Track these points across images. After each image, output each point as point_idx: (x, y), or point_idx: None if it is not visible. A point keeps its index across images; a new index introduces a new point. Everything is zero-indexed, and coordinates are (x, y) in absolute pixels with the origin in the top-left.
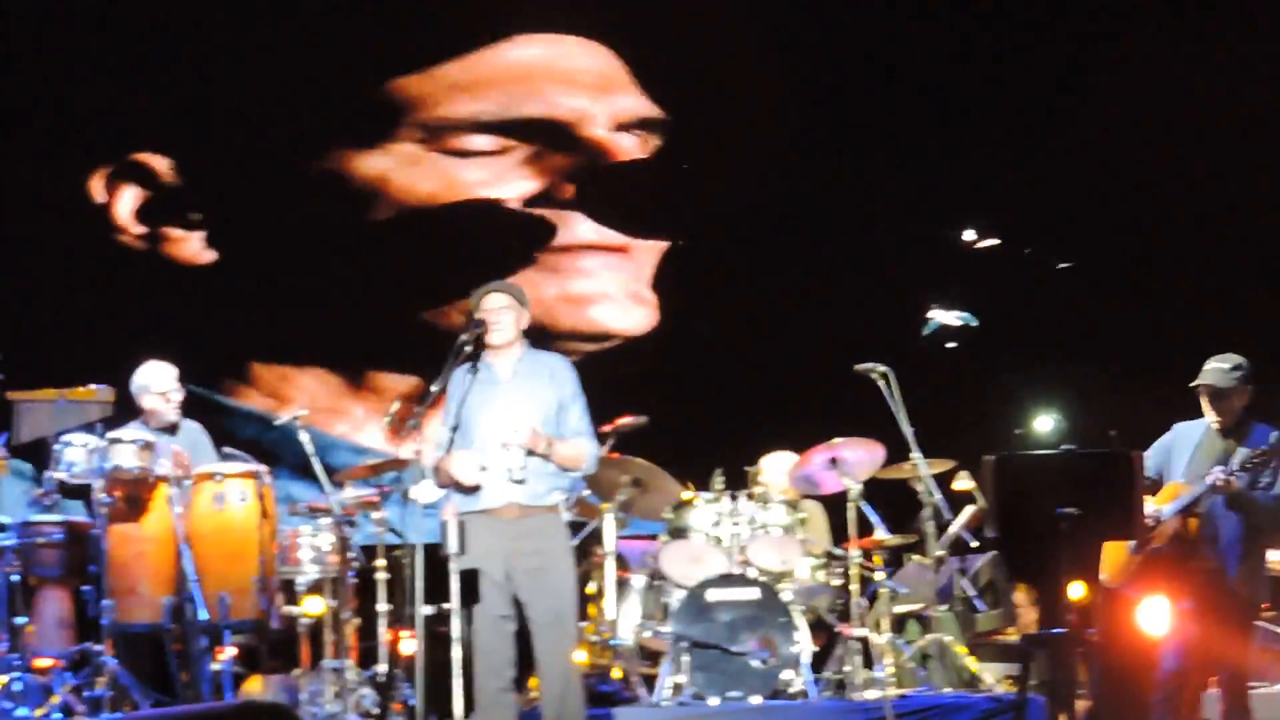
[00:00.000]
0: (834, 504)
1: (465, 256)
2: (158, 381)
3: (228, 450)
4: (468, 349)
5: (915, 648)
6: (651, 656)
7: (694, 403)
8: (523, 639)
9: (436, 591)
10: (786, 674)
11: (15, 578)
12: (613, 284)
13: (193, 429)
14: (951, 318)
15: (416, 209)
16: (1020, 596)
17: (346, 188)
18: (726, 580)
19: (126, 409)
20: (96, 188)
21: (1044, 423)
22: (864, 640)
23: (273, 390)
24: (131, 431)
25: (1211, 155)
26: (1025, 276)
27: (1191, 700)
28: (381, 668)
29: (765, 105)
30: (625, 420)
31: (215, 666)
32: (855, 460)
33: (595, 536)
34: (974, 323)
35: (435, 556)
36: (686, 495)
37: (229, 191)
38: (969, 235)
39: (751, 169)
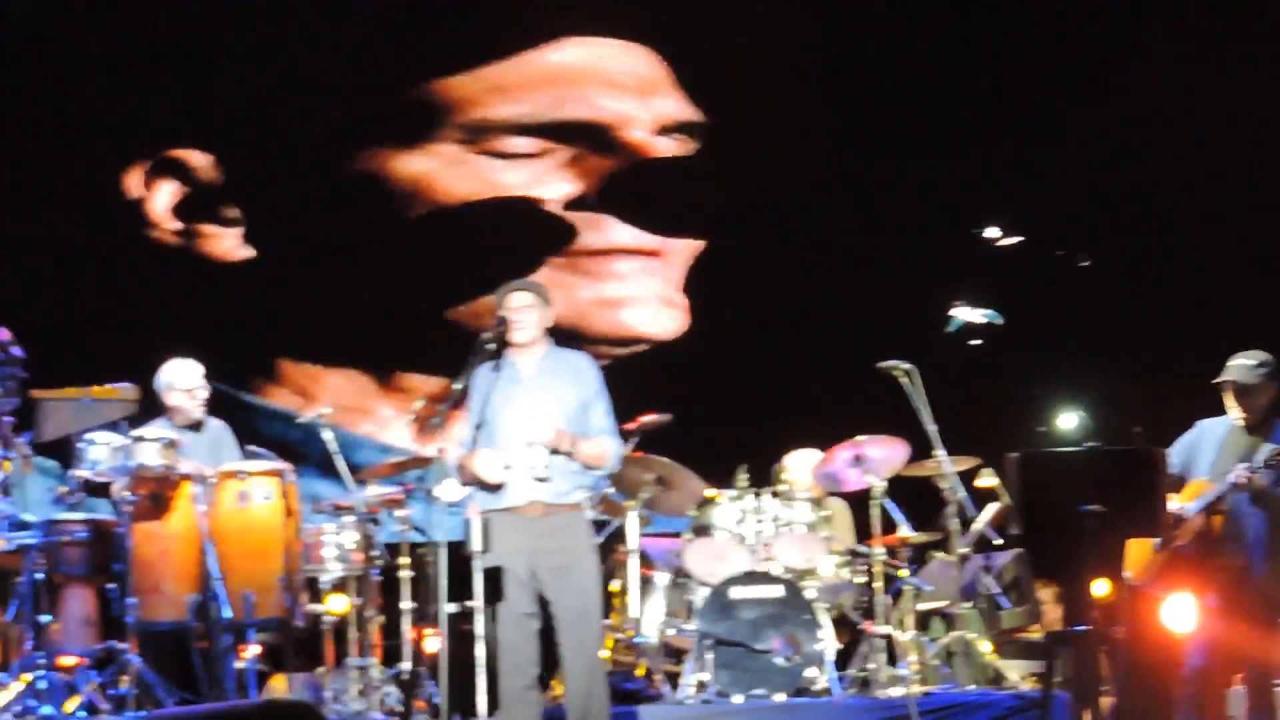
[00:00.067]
0: (858, 501)
1: (497, 258)
2: (182, 378)
3: (252, 448)
4: (490, 347)
5: (939, 645)
6: (675, 654)
7: (718, 400)
8: (547, 637)
9: (461, 589)
10: (810, 671)
11: (40, 576)
12: (645, 288)
13: (217, 427)
14: (976, 315)
15: (450, 209)
16: (1044, 593)
17: (383, 188)
18: (750, 578)
19: (152, 407)
20: (132, 183)
21: (1069, 420)
22: (888, 637)
23: (300, 389)
24: (156, 429)
25: (1236, 153)
26: (1049, 274)
27: (1216, 697)
28: (406, 666)
29: (792, 105)
30: (649, 418)
31: (239, 664)
32: (879, 458)
33: (619, 534)
34: (999, 320)
35: (459, 554)
36: (710, 493)
37: (265, 189)
38: (993, 233)
39: (778, 168)
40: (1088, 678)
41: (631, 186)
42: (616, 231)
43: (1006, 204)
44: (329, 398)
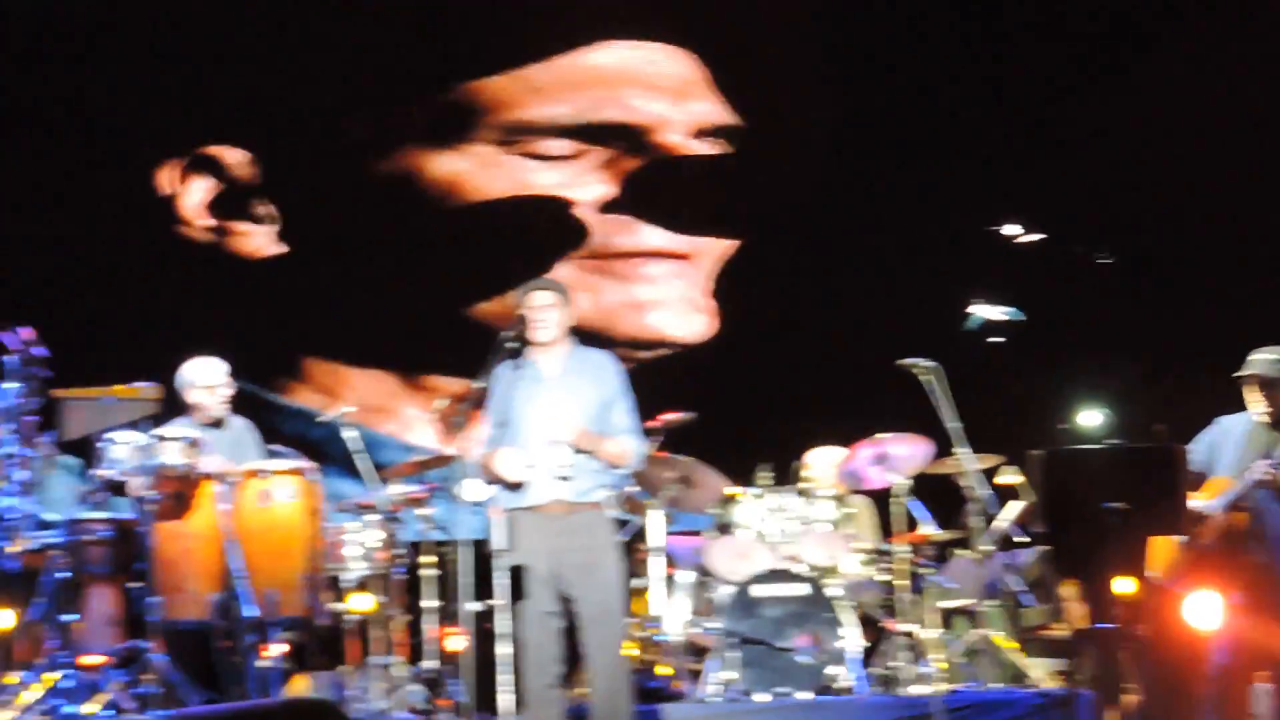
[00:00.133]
0: (882, 499)
1: (527, 260)
2: (203, 376)
3: (275, 447)
4: (510, 346)
5: (963, 643)
6: (698, 652)
7: (740, 399)
8: (572, 636)
9: (484, 588)
10: (834, 669)
11: (64, 575)
12: (673, 291)
13: (240, 425)
14: (996, 313)
15: (480, 209)
16: (1066, 591)
17: (416, 188)
18: (774, 576)
19: (176, 405)
20: (164, 180)
21: (1091, 417)
22: (912, 635)
23: (326, 388)
24: (177, 429)
25: (1257, 149)
26: (1071, 271)
27: (1240, 695)
28: (429, 664)
29: (819, 106)
30: (672, 416)
31: (262, 664)
32: (903, 456)
33: (641, 533)
34: (1020, 317)
35: (482, 553)
36: (732, 491)
37: (297, 186)
38: (1013, 230)
39: (805, 169)
40: (1111, 675)
41: (663, 188)
42: (647, 234)
43: (1028, 201)
44: (354, 397)
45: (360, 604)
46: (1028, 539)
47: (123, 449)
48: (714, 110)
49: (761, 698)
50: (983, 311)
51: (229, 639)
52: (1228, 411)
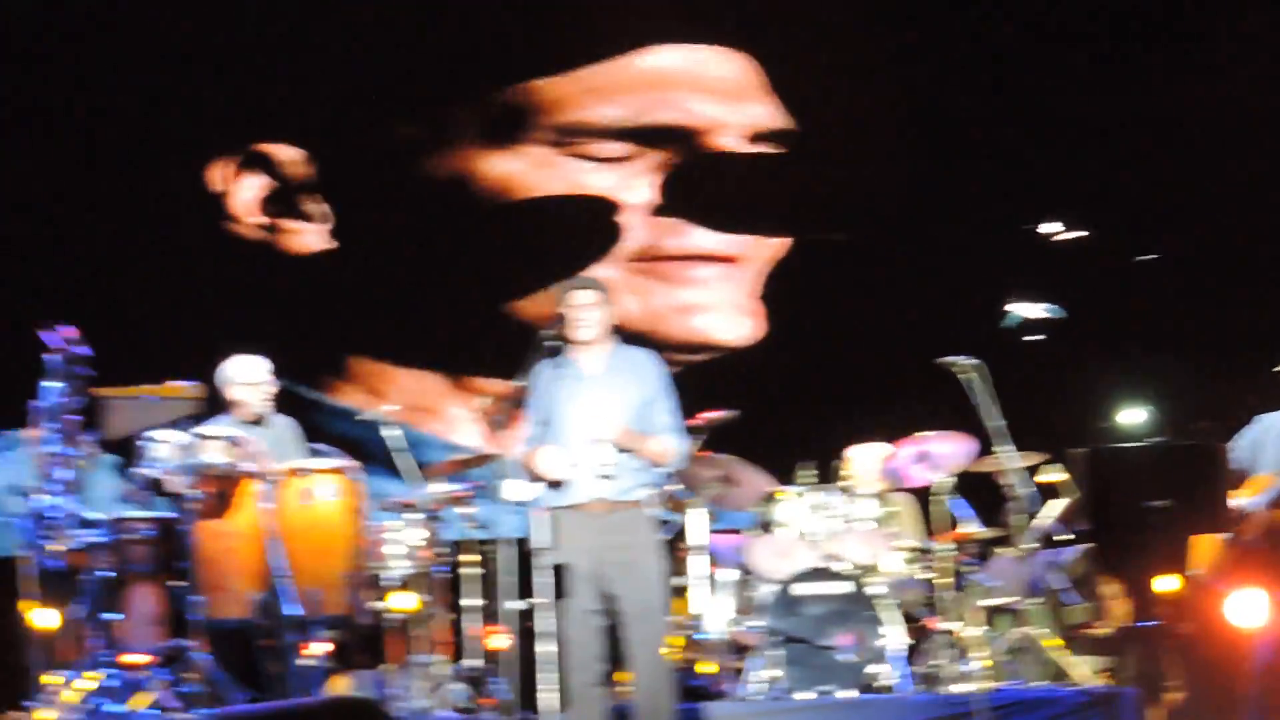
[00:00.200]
0: (924, 497)
1: (578, 262)
2: (245, 373)
3: (317, 446)
4: (550, 345)
5: (1005, 641)
6: (740, 651)
7: (782, 397)
8: (614, 634)
9: (526, 586)
10: (876, 668)
11: (107, 574)
12: (721, 295)
13: (281, 424)
14: (1035, 310)
15: (531, 212)
16: (1109, 589)
17: (468, 188)
18: (816, 574)
19: (218, 404)
20: (216, 176)
21: (1134, 415)
22: (954, 634)
23: (371, 387)
24: (218, 427)
25: None
26: (1114, 268)
27: None
28: (471, 663)
29: (865, 106)
30: (713, 415)
31: (304, 662)
32: (946, 454)
33: (681, 531)
34: (1059, 314)
35: (523, 551)
36: (775, 489)
37: (348, 185)
38: (1054, 227)
39: (848, 169)
40: (1154, 673)
41: (713, 190)
42: (696, 236)
43: (1070, 198)
44: (400, 397)
45: (402, 603)
46: (1070, 537)
47: (164, 448)
48: (768, 113)
49: (804, 696)
50: (1020, 309)
51: (271, 638)
52: (1269, 409)
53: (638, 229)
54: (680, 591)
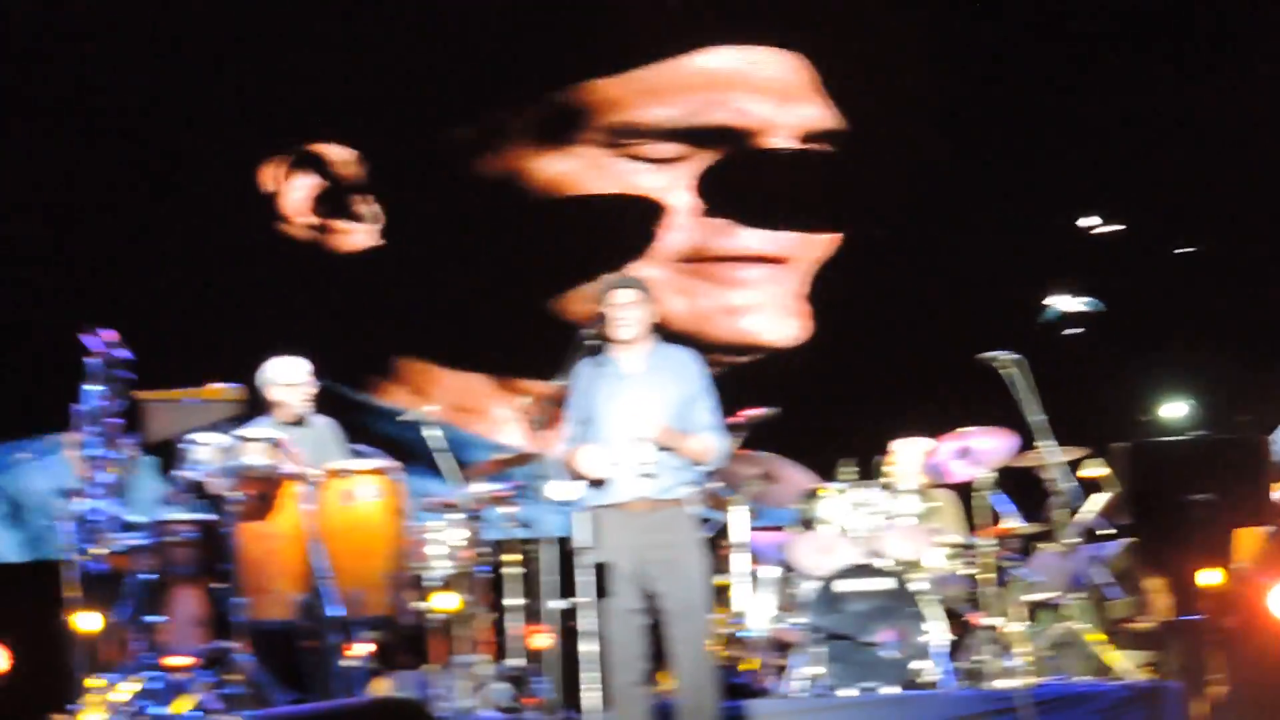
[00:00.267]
0: (966, 493)
1: (627, 264)
2: (285, 374)
3: (358, 447)
4: (590, 343)
5: (1049, 636)
6: (782, 648)
7: (823, 394)
8: (656, 633)
9: (568, 585)
10: (919, 664)
11: (150, 576)
12: (769, 295)
13: (321, 424)
14: (1074, 304)
15: (581, 214)
16: (1152, 583)
17: (519, 189)
18: (858, 571)
19: (258, 405)
20: (268, 176)
21: (1175, 409)
22: (997, 629)
23: (416, 387)
24: (259, 429)
25: None
26: (1154, 261)
27: None
28: (513, 662)
29: (915, 105)
30: (754, 412)
31: (346, 663)
32: (987, 449)
33: (723, 529)
34: (1099, 308)
35: (565, 550)
36: (815, 485)
37: (399, 185)
38: (1093, 221)
39: (894, 168)
40: (1198, 667)
41: (761, 189)
42: (744, 237)
43: (1109, 192)
44: (446, 398)
45: (444, 603)
46: (1113, 531)
47: (205, 450)
48: (820, 114)
49: (847, 693)
50: (1060, 303)
51: (314, 639)
52: None
53: (687, 230)
54: (722, 589)
